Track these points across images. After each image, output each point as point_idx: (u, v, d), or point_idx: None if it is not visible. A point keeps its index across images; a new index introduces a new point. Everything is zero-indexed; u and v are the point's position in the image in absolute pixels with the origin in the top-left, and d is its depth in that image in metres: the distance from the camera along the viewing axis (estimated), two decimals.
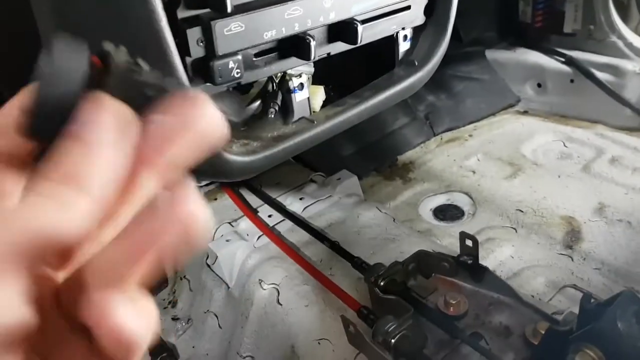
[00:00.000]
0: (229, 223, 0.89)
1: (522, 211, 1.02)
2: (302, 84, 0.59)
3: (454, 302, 0.65)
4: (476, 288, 0.68)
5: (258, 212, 0.90)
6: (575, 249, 0.91)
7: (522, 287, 0.81)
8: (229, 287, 0.86)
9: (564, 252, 0.91)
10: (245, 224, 0.88)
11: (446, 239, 0.95)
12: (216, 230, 0.88)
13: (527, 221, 0.99)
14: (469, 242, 0.69)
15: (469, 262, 0.68)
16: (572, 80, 1.34)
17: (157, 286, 0.97)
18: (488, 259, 0.88)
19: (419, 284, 0.69)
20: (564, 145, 1.24)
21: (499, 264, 0.89)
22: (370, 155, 1.23)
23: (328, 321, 0.71)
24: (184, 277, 0.94)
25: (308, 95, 0.60)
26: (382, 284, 0.66)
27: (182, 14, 0.45)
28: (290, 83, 0.59)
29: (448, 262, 0.67)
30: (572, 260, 0.89)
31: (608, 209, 0.99)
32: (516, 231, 0.97)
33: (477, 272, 0.68)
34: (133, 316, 0.17)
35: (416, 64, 0.67)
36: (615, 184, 1.06)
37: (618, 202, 1.00)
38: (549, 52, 1.38)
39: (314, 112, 0.62)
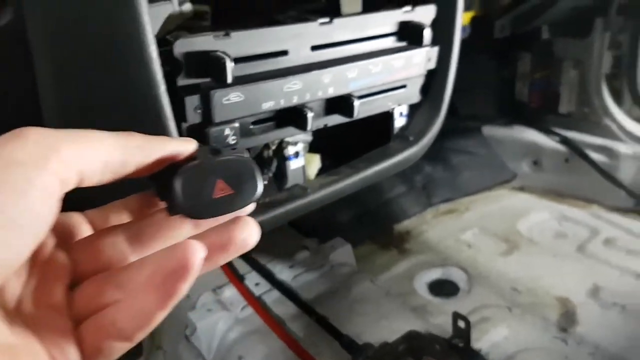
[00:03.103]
0: (213, 290, 0.86)
1: (517, 290, 1.00)
2: (297, 152, 0.59)
3: None
4: None
5: (245, 279, 0.87)
6: (570, 332, 0.88)
7: None
8: None
9: (558, 335, 0.89)
10: (230, 292, 0.85)
11: (441, 317, 0.91)
12: (198, 298, 0.84)
13: (522, 301, 0.97)
14: (461, 323, 0.67)
15: (461, 345, 0.65)
16: (567, 160, 1.36)
17: (131, 356, 0.92)
18: (482, 340, 0.85)
19: None
20: (559, 224, 1.24)
21: (493, 345, 0.86)
22: (366, 223, 1.22)
23: None
24: (160, 347, 0.89)
25: (303, 163, 0.60)
26: None
27: (182, 81, 0.46)
28: (286, 151, 0.59)
29: (439, 344, 0.65)
30: (567, 344, 0.87)
31: (603, 292, 0.97)
32: (511, 311, 0.95)
33: (468, 357, 0.66)
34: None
35: (411, 139, 0.68)
36: (610, 266, 1.05)
37: (612, 284, 0.99)
38: (545, 131, 1.42)
39: (308, 179, 0.62)
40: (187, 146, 0.29)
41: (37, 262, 0.26)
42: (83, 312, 0.25)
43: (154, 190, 0.30)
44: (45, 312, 0.25)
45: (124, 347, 0.25)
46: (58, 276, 0.26)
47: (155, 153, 0.27)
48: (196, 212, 0.28)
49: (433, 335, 0.66)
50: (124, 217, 0.31)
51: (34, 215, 0.22)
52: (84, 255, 0.28)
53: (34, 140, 0.23)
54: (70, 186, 0.24)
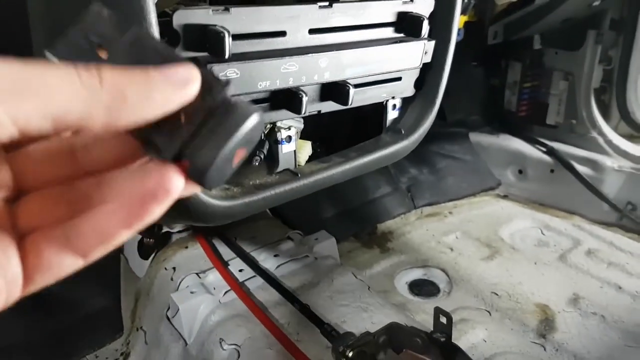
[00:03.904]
0: (197, 274, 0.85)
1: (497, 294, 1.01)
2: (290, 137, 0.59)
3: None
4: None
5: (229, 265, 0.86)
6: (548, 339, 0.89)
7: None
8: (186, 344, 0.80)
9: (537, 340, 0.89)
10: (214, 277, 0.84)
11: (420, 315, 0.92)
12: (182, 280, 0.83)
13: (502, 305, 0.97)
14: (443, 319, 0.67)
15: (442, 339, 0.65)
16: (552, 170, 1.38)
17: (111, 334, 0.91)
18: (461, 340, 0.86)
19: (389, 358, 0.66)
20: (542, 232, 1.25)
21: (471, 346, 0.87)
22: (350, 220, 1.22)
23: None
24: (141, 327, 0.88)
25: (295, 149, 0.60)
26: (350, 355, 0.63)
27: (179, 54, 0.45)
28: (278, 134, 0.59)
29: (420, 338, 0.65)
30: (545, 350, 0.87)
31: (583, 301, 0.98)
32: (490, 314, 0.95)
33: (449, 351, 0.66)
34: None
35: (402, 132, 0.68)
36: (591, 276, 1.06)
37: (593, 294, 1.00)
38: (531, 141, 1.43)
39: (299, 165, 0.62)
40: (187, 91, 0.22)
41: None
42: (29, 226, 0.24)
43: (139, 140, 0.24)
44: None
45: (75, 264, 0.23)
46: None
47: (140, 111, 0.21)
48: (211, 183, 0.23)
49: (414, 328, 0.66)
50: None
51: None
52: (30, 168, 0.25)
53: None
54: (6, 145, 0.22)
